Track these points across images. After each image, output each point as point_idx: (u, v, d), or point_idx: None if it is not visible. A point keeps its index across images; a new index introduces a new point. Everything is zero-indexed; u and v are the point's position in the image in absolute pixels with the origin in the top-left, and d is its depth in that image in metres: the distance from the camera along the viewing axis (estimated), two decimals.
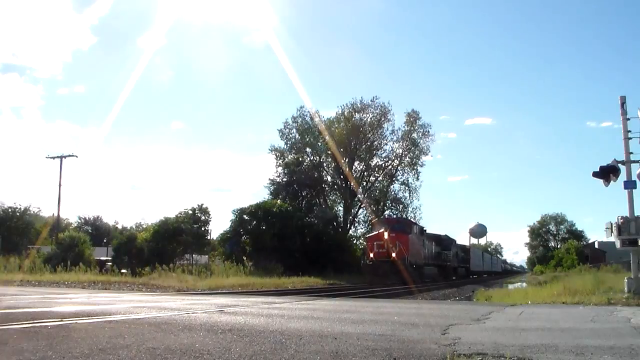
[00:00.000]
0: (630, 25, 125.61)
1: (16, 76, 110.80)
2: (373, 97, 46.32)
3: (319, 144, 45.56)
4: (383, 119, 46.28)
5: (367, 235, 34.79)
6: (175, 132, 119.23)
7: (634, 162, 13.47)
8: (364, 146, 46.46)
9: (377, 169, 47.77)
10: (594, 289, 14.58)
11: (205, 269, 27.28)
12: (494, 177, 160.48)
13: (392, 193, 47.86)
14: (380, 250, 28.73)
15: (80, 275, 24.21)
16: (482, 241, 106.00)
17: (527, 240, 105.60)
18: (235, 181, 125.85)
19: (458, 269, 45.61)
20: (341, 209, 47.05)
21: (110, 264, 31.73)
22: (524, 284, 35.02)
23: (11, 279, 21.45)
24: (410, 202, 47.11)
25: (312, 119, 45.83)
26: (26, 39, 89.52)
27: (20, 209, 45.29)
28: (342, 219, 46.25)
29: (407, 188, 47.03)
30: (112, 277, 23.22)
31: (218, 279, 23.42)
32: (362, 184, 47.02)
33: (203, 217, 35.83)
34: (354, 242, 45.72)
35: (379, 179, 48.17)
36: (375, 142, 47.01)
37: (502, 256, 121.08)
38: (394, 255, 27.86)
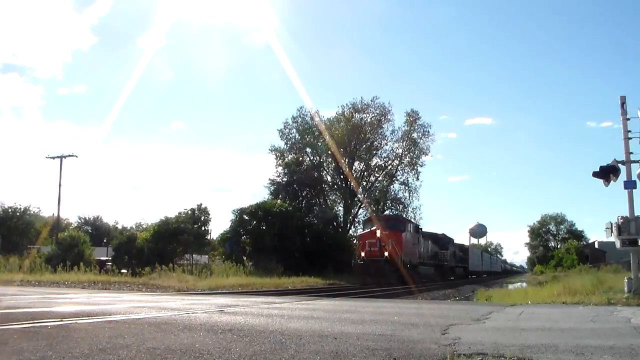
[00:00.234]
0: (630, 25, 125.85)
1: (16, 76, 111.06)
2: (373, 97, 46.31)
3: (319, 144, 45.48)
4: (383, 119, 46.24)
5: (359, 234, 33.91)
6: (175, 132, 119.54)
7: (634, 162, 13.48)
8: (364, 146, 46.37)
9: (377, 169, 47.74)
10: (594, 289, 14.61)
11: (205, 269, 27.27)
12: (494, 177, 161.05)
13: (392, 193, 47.82)
14: (372, 249, 27.13)
15: (80, 275, 24.17)
16: (482, 241, 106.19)
17: (527, 240, 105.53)
18: (235, 181, 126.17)
19: (456, 269, 44.99)
20: (341, 209, 47.04)
21: (110, 264, 31.74)
22: (524, 284, 34.99)
23: (11, 279, 21.43)
24: (410, 202, 47.10)
25: (312, 119, 45.75)
26: (26, 39, 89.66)
27: (20, 209, 45.20)
28: (342, 219, 46.20)
29: (407, 188, 47.00)
30: (112, 277, 23.20)
31: (218, 279, 23.39)
32: (362, 184, 46.96)
33: (203, 217, 35.85)
34: (354, 242, 45.62)
35: (379, 179, 48.13)
36: (375, 142, 46.98)
37: (502, 256, 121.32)
38: (386, 254, 26.37)
